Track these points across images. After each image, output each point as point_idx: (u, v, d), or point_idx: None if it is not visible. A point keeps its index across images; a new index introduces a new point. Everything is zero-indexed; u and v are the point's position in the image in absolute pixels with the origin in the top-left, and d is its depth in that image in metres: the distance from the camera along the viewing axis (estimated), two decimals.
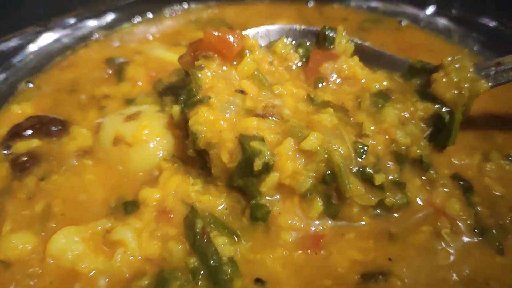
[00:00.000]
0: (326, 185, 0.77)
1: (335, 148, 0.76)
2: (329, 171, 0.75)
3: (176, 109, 0.86)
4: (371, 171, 0.76)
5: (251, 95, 0.86)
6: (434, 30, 1.23)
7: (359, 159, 0.77)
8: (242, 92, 0.86)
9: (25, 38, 1.08)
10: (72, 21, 1.16)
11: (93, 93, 1.04)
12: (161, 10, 1.30)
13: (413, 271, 0.71)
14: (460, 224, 0.77)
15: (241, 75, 0.88)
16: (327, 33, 0.97)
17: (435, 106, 0.87)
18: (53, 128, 0.92)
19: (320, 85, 0.93)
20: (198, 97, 0.85)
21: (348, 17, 1.32)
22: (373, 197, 0.77)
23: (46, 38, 1.12)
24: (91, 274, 0.70)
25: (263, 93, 0.89)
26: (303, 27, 1.03)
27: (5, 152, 0.89)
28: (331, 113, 0.82)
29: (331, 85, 0.93)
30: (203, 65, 0.86)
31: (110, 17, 1.21)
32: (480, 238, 0.76)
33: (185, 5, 1.33)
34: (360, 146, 0.78)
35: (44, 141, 0.91)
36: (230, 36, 0.84)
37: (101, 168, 0.87)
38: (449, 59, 0.89)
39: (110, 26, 1.21)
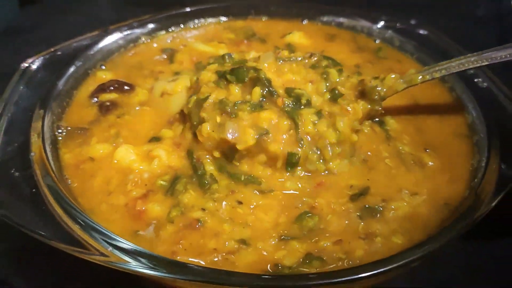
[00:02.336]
0: None
1: None
2: None
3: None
4: None
5: None
6: (381, 38, 1.29)
7: None
8: None
9: (93, 39, 1.19)
10: (125, 28, 1.26)
11: (153, 69, 1.16)
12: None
13: None
14: None
15: None
16: None
17: None
18: (125, 87, 1.07)
19: None
20: None
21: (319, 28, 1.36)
22: None
23: (107, 40, 1.22)
24: (138, 170, 0.86)
25: None
26: None
27: (94, 99, 1.05)
28: None
29: None
30: None
31: (151, 26, 1.31)
32: None
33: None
34: None
35: (119, 95, 1.05)
36: None
37: (152, 113, 1.01)
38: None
39: (150, 33, 1.30)
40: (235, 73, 0.88)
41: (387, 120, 0.99)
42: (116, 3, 1.84)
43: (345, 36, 1.32)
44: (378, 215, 0.79)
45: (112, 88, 1.06)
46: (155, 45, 1.29)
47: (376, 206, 0.80)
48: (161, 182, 0.83)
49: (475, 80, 1.08)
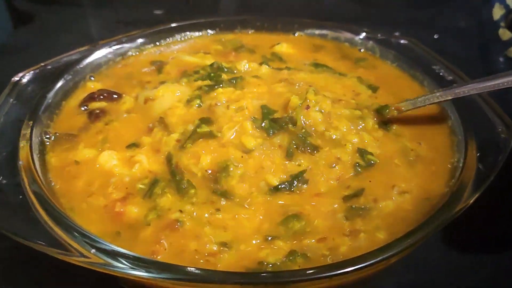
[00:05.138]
0: None
1: None
2: None
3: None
4: None
5: None
6: (364, 48, 1.33)
7: None
8: None
9: (83, 54, 1.22)
10: (114, 43, 1.29)
11: (141, 80, 1.19)
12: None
13: None
14: None
15: None
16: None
17: None
18: (114, 96, 1.09)
19: None
20: None
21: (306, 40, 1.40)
22: None
23: (96, 54, 1.24)
24: (119, 174, 0.87)
25: None
26: None
27: (83, 108, 1.07)
28: None
29: None
30: None
31: (140, 40, 1.34)
32: None
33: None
34: None
35: (108, 103, 1.07)
36: None
37: (138, 119, 1.02)
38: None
39: (139, 47, 1.33)
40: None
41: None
42: (108, 23, 1.88)
43: (330, 47, 1.37)
44: (364, 214, 0.79)
45: (102, 96, 1.08)
46: (144, 58, 1.32)
47: (363, 206, 0.80)
48: (140, 186, 0.84)
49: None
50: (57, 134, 0.97)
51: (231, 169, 0.83)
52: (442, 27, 1.71)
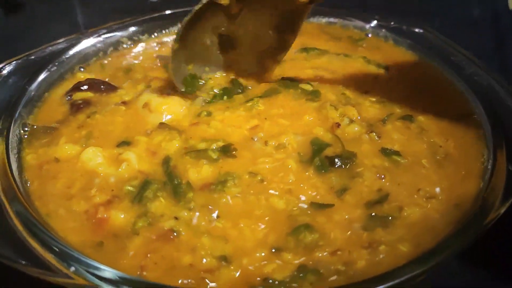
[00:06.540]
0: None
1: None
2: None
3: None
4: None
5: None
6: (375, 35, 1.21)
7: None
8: None
9: (70, 42, 1.09)
10: (104, 31, 1.16)
11: (146, 74, 1.06)
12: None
13: None
14: None
15: None
16: None
17: None
18: (102, 87, 0.98)
19: None
20: None
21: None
22: None
23: (85, 43, 1.11)
24: (103, 174, 0.75)
25: None
26: None
27: (67, 98, 0.95)
28: None
29: None
30: None
31: (132, 29, 1.20)
32: None
33: None
34: None
35: (95, 94, 0.96)
36: None
37: (128, 114, 0.90)
38: None
39: (132, 36, 1.19)
40: None
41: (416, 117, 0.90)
42: (104, 11, 1.74)
43: (310, 28, 1.24)
44: (386, 223, 0.68)
45: (87, 86, 0.96)
46: (147, 51, 1.18)
47: (385, 215, 0.69)
48: (129, 187, 0.72)
49: (475, 78, 0.99)
50: (35, 126, 0.86)
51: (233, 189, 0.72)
52: (453, 17, 1.58)
